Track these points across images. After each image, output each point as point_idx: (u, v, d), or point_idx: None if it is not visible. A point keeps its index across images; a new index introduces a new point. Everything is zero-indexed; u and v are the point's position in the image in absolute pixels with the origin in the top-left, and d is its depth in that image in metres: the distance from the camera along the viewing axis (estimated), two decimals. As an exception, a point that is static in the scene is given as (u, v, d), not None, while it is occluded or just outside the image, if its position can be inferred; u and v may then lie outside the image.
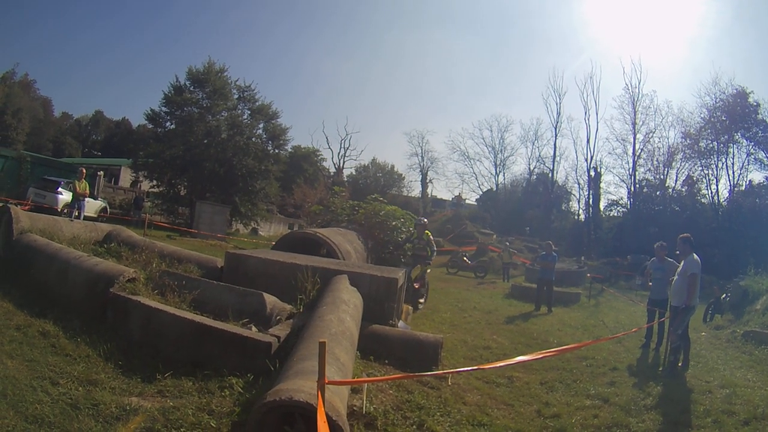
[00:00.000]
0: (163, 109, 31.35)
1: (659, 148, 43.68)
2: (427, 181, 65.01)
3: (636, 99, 44.67)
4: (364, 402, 4.40)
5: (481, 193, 59.66)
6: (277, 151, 36.01)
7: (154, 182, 31.44)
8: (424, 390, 5.42)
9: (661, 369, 7.82)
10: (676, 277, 8.06)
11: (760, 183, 38.91)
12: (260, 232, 35.83)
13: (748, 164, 38.83)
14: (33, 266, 6.74)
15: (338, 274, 6.83)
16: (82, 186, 16.08)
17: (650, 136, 44.14)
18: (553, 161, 53.62)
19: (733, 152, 39.16)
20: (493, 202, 56.48)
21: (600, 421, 5.44)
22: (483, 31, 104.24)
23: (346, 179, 65.47)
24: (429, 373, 5.69)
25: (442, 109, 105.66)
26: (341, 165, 68.47)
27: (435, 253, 11.95)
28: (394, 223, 13.65)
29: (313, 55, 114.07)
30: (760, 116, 37.64)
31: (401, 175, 69.57)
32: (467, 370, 6.27)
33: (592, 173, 47.82)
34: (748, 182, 39.51)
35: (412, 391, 5.22)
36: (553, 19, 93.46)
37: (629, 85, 46.06)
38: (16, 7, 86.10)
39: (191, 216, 27.77)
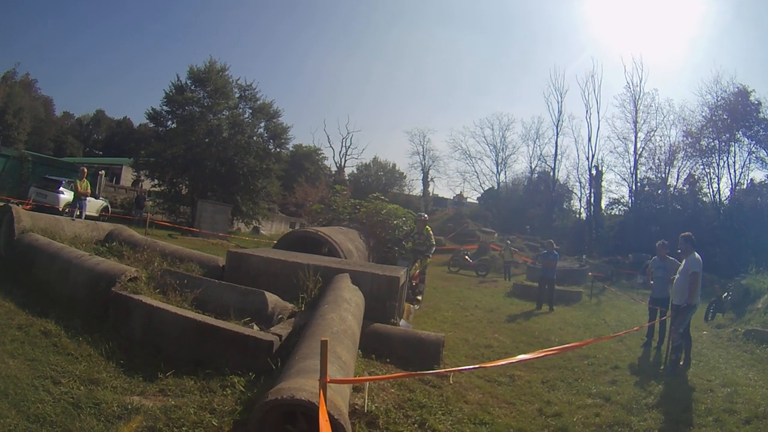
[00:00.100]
0: (165, 108, 31.34)
1: (660, 147, 43.59)
2: (429, 179, 65.06)
3: (637, 97, 44.57)
4: (366, 400, 4.40)
5: (482, 191, 59.64)
6: (278, 149, 35.98)
7: (156, 181, 31.42)
8: (425, 388, 5.42)
9: (662, 368, 7.80)
10: (677, 276, 8.06)
11: (761, 182, 38.83)
12: (262, 231, 35.83)
13: (750, 163, 38.74)
14: (34, 265, 6.75)
15: (340, 272, 6.83)
16: (84, 185, 16.10)
17: (651, 134, 44.07)
18: (555, 160, 53.56)
19: (735, 151, 39.08)
20: (495, 200, 56.42)
21: (601, 419, 5.43)
22: (484, 29, 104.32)
23: (347, 178, 65.53)
24: (431, 371, 5.69)
25: (444, 108, 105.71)
26: (343, 164, 68.58)
27: (434, 248, 11.93)
28: (395, 221, 13.66)
29: (314, 53, 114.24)
30: (761, 115, 37.50)
31: (403, 173, 69.71)
32: (469, 369, 6.25)
33: (594, 172, 47.75)
34: (749, 181, 39.46)
35: (413, 390, 5.22)
36: (555, 18, 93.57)
37: (630, 84, 45.83)
38: (17, 7, 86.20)
39: (193, 215, 27.80)
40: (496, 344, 8.83)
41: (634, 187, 44.26)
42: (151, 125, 33.63)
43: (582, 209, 52.47)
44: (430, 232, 11.69)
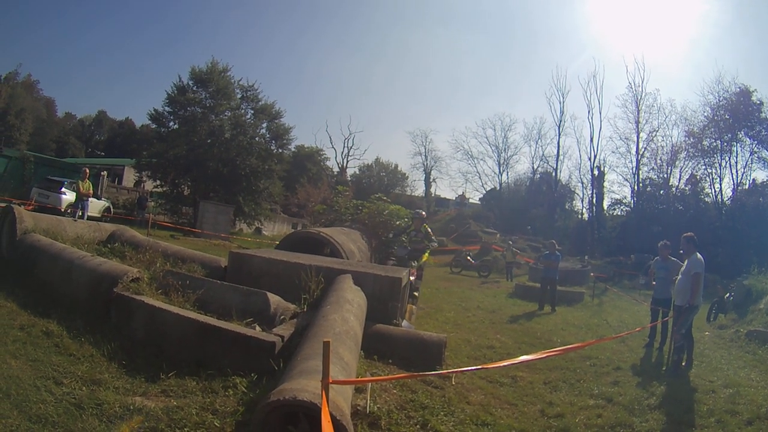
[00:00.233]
0: (167, 108, 31.31)
1: (663, 147, 43.44)
2: (431, 180, 64.92)
3: (639, 97, 44.40)
4: (368, 401, 4.40)
5: (484, 192, 59.47)
6: (280, 150, 35.93)
7: (158, 182, 31.42)
8: (427, 389, 5.42)
9: (664, 368, 7.79)
10: (679, 277, 8.05)
11: (763, 182, 38.71)
12: (264, 232, 35.84)
13: (752, 163, 38.58)
14: (37, 266, 6.77)
15: (342, 273, 6.83)
16: (86, 186, 16.12)
17: (653, 134, 43.93)
18: (557, 160, 53.44)
19: (737, 151, 38.92)
20: (497, 201, 56.31)
21: (603, 420, 5.43)
22: (486, 29, 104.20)
23: (349, 178, 65.54)
24: (433, 372, 5.68)
25: (446, 108, 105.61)
26: (345, 164, 68.59)
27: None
28: (397, 222, 13.66)
29: (316, 54, 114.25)
30: (763, 115, 37.37)
31: (405, 174, 69.66)
32: (471, 370, 6.26)
33: (596, 172, 47.64)
34: (751, 181, 39.31)
35: (415, 391, 5.22)
36: (556, 18, 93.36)
37: (632, 84, 45.69)
38: (18, 8, 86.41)
39: (195, 216, 27.79)
40: (498, 345, 8.83)
41: (636, 187, 44.17)
42: (153, 126, 33.66)
43: (584, 210, 52.47)
44: (429, 229, 11.55)
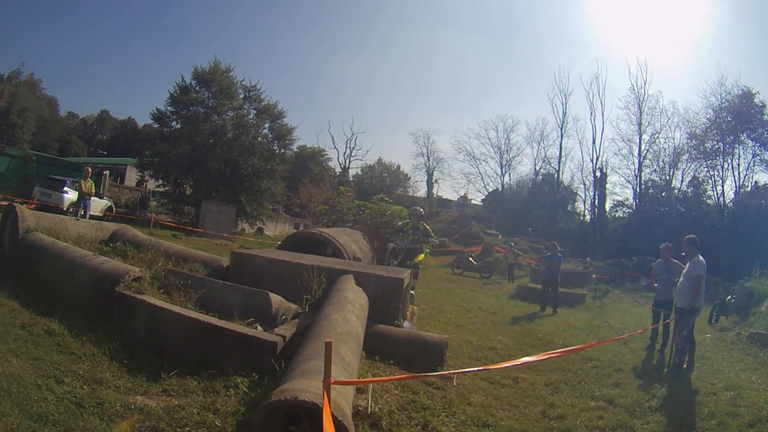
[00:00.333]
0: (169, 108, 31.38)
1: (665, 149, 43.41)
2: (433, 181, 64.79)
3: (642, 99, 44.36)
4: (369, 402, 4.40)
5: (486, 193, 59.39)
6: (282, 150, 36.00)
7: (160, 181, 31.46)
8: (429, 390, 5.42)
9: (666, 371, 7.79)
10: (681, 279, 8.04)
11: (765, 184, 38.69)
12: (266, 232, 35.86)
13: (754, 165, 38.59)
14: (38, 265, 6.77)
15: (344, 274, 6.84)
16: (88, 185, 16.15)
17: (656, 136, 43.88)
18: (559, 162, 53.36)
19: (739, 153, 38.89)
20: (499, 202, 56.25)
21: (605, 422, 5.42)
22: (489, 30, 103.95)
23: (351, 179, 65.40)
24: (434, 373, 5.69)
25: (448, 109, 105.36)
26: (347, 165, 68.49)
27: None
28: (399, 223, 13.64)
29: (318, 54, 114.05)
30: (765, 117, 37.32)
31: (407, 175, 69.51)
32: (472, 371, 6.26)
33: (598, 174, 47.56)
34: (753, 183, 39.26)
35: (417, 392, 5.22)
36: (559, 19, 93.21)
37: (635, 86, 45.62)
38: (21, 6, 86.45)
39: (197, 215, 27.81)
40: (500, 346, 8.82)
41: (638, 189, 44.14)
42: (156, 125, 33.72)
43: (586, 211, 52.36)
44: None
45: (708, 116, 40.28)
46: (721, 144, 39.15)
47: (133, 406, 3.90)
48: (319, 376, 3.30)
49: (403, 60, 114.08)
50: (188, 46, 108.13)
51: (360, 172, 69.32)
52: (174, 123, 31.79)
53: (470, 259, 26.44)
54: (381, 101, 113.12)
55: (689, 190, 42.23)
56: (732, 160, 38.98)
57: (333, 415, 3.00)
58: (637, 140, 44.45)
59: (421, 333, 6.87)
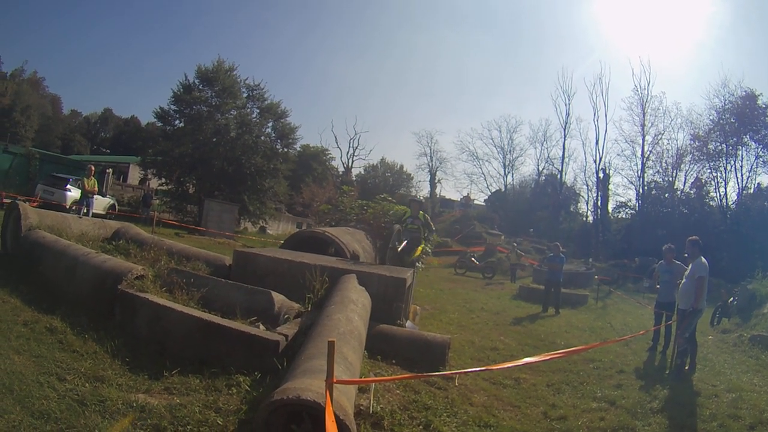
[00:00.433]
0: (172, 107, 31.37)
1: (668, 150, 43.40)
2: (436, 181, 64.70)
3: (645, 100, 44.34)
4: (372, 401, 4.39)
5: (489, 193, 59.45)
6: (285, 149, 36.00)
7: (163, 180, 31.47)
8: (431, 390, 5.41)
9: (667, 372, 7.78)
10: (683, 280, 8.02)
11: (768, 186, 38.66)
12: (269, 231, 35.84)
13: (757, 167, 38.55)
14: (41, 263, 6.78)
15: (347, 273, 6.84)
16: (91, 183, 16.17)
17: (659, 137, 43.86)
18: (562, 162, 53.35)
19: (742, 155, 38.87)
20: (502, 202, 56.23)
21: (606, 423, 5.42)
22: (492, 31, 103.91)
23: (354, 179, 65.35)
24: (436, 373, 5.69)
25: (451, 110, 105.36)
26: (350, 164, 68.39)
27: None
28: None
29: (322, 54, 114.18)
30: (768, 119, 37.38)
31: (410, 175, 69.40)
32: (474, 371, 6.26)
33: (601, 175, 47.58)
34: (756, 185, 39.25)
35: (419, 392, 5.21)
36: (563, 20, 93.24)
37: (638, 87, 45.57)
38: (24, 5, 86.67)
39: (200, 214, 27.80)
40: (502, 347, 8.81)
41: (641, 190, 44.16)
42: (159, 124, 33.67)
43: (589, 212, 52.41)
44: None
45: (711, 118, 40.32)
46: (724, 145, 39.11)
47: (134, 404, 3.90)
48: (321, 375, 3.30)
49: (407, 60, 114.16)
50: (192, 45, 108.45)
51: (363, 172, 69.32)
52: (177, 121, 31.78)
53: (473, 259, 26.45)
54: (384, 101, 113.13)
55: (692, 192, 42.20)
56: (735, 162, 39.01)
57: (335, 415, 2.99)
58: (640, 141, 44.50)
59: (423, 333, 6.87)
